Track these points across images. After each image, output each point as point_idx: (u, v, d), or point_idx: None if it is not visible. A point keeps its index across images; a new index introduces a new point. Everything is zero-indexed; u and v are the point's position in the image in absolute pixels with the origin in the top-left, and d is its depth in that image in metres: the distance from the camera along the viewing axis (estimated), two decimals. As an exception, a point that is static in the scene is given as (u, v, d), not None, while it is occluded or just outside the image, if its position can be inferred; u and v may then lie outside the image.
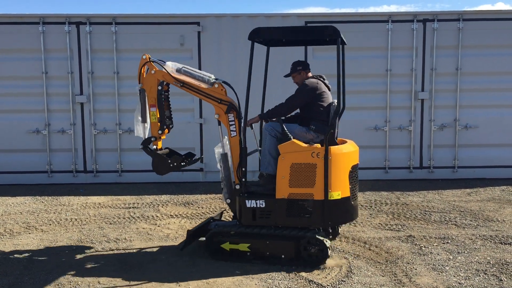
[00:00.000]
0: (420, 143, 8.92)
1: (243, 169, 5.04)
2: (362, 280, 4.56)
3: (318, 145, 4.96)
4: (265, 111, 5.39)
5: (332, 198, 4.87)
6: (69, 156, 8.77)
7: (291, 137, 5.00)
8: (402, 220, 6.50)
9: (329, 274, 4.72)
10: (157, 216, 6.79)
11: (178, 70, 5.29)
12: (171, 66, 5.28)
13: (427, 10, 9.00)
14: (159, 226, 6.37)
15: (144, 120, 5.40)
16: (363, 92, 8.69)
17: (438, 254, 5.20)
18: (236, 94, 5.19)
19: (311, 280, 4.56)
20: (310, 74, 5.48)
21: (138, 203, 7.49)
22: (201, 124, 8.75)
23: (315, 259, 4.89)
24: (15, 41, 8.56)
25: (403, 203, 7.40)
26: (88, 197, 7.92)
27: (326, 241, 4.88)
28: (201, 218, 6.68)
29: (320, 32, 5.11)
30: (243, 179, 5.04)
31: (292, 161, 4.88)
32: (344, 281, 4.55)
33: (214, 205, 7.37)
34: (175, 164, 5.36)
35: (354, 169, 5.13)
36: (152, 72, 5.27)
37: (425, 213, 6.80)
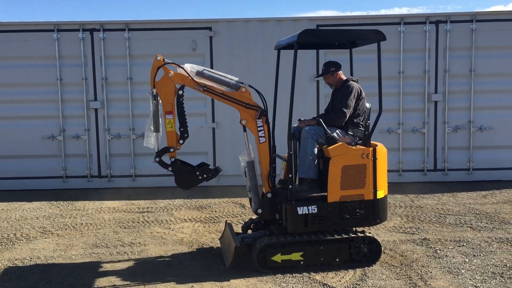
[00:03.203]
0: (434, 145, 8.86)
1: (290, 175, 4.86)
2: (376, 284, 4.54)
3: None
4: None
5: (379, 197, 4.98)
6: (84, 161, 8.87)
7: (337, 140, 4.97)
8: (417, 223, 6.45)
9: (343, 277, 4.70)
10: (171, 220, 6.83)
11: (199, 73, 4.91)
12: (189, 68, 4.90)
13: (439, 11, 8.96)
14: (173, 230, 6.40)
15: (156, 130, 4.91)
16: (376, 94, 8.62)
17: (453, 257, 5.15)
18: (263, 99, 5.06)
19: (325, 284, 4.55)
20: (343, 75, 5.38)
21: (152, 208, 7.54)
22: (213, 129, 8.78)
23: (370, 257, 4.96)
24: (31, 48, 8.69)
25: (417, 205, 7.35)
26: (102, 201, 7.99)
27: (378, 239, 4.99)
28: (214, 222, 6.70)
29: (366, 35, 5.15)
30: (290, 186, 4.86)
31: (343, 163, 4.87)
32: (359, 285, 4.53)
33: (227, 209, 7.39)
34: (204, 176, 4.98)
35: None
36: (169, 75, 4.85)
37: (440, 216, 6.74)
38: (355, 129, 5.13)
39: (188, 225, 6.61)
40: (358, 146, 5.04)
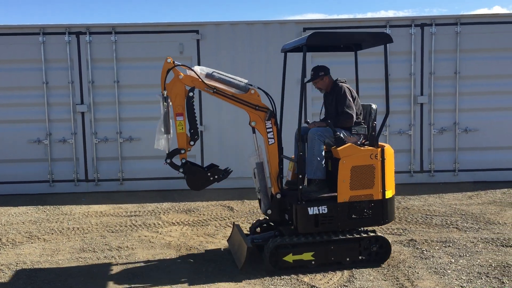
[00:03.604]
0: (420, 147, 8.94)
1: (300, 176, 4.96)
2: (364, 285, 4.56)
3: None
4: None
5: (387, 197, 5.05)
6: (71, 165, 8.80)
7: (346, 140, 5.03)
8: (404, 224, 6.50)
9: (331, 279, 4.72)
10: (159, 224, 6.80)
11: (209, 75, 4.97)
12: (199, 70, 4.95)
13: (424, 15, 9.06)
14: (161, 233, 6.38)
15: (167, 131, 4.93)
16: (372, 96, 8.71)
17: (439, 258, 5.21)
18: (272, 100, 5.12)
19: (313, 285, 4.57)
20: (332, 78, 5.44)
21: (139, 211, 7.50)
22: (201, 132, 8.77)
23: (380, 256, 5.03)
24: (16, 51, 8.61)
25: (404, 207, 7.41)
26: (90, 205, 7.93)
27: (388, 238, 5.06)
28: (202, 225, 6.69)
29: (374, 37, 5.30)
30: (300, 187, 4.93)
31: (352, 164, 4.93)
32: (346, 286, 4.55)
33: (215, 212, 7.39)
34: (215, 177, 5.02)
35: None
36: (180, 77, 4.90)
37: (427, 217, 6.81)
38: (358, 127, 5.21)
39: (176, 229, 6.59)
40: (366, 146, 5.11)
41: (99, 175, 8.83)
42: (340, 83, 5.32)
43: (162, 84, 4.91)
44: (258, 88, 5.08)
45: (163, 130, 4.93)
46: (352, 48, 5.69)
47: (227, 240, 5.79)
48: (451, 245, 5.60)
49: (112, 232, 6.48)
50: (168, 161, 4.98)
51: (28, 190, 8.73)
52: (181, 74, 4.92)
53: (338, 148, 4.94)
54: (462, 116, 8.88)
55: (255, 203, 7.81)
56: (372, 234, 5.03)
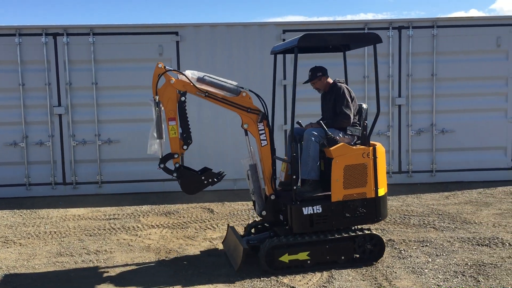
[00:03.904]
0: (398, 148, 9.06)
1: (294, 177, 5.01)
2: (343, 285, 4.60)
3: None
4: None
5: (380, 195, 5.12)
6: (48, 168, 8.67)
7: (338, 140, 5.09)
8: (382, 224, 6.57)
9: (310, 280, 4.74)
10: (138, 227, 6.75)
11: (200, 79, 5.01)
12: (190, 74, 4.99)
13: (403, 17, 9.18)
14: (140, 236, 6.33)
15: (160, 136, 4.96)
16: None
17: (417, 257, 5.28)
18: (263, 102, 5.17)
19: (293, 286, 4.59)
20: (330, 79, 5.51)
21: (118, 214, 7.43)
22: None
23: (375, 254, 5.10)
24: (-9, 53, 8.47)
25: (383, 207, 7.48)
26: (67, 209, 7.83)
27: (382, 236, 5.19)
28: (182, 228, 6.66)
29: (363, 38, 5.50)
30: (294, 187, 4.99)
31: (345, 163, 4.99)
32: (326, 287, 4.58)
33: (195, 214, 7.36)
34: (209, 180, 5.06)
35: None
36: (171, 82, 4.93)
37: (405, 217, 6.89)
38: (352, 128, 5.27)
39: (155, 231, 6.55)
40: (358, 146, 5.17)
41: (77, 178, 8.72)
42: (339, 84, 5.41)
43: (154, 89, 4.94)
44: (250, 90, 5.13)
45: (155, 135, 4.95)
46: (341, 48, 5.79)
47: (222, 242, 5.78)
48: (428, 244, 5.68)
49: (90, 235, 6.40)
50: (162, 166, 5.03)
51: (4, 194, 8.57)
52: (173, 79, 4.97)
53: (331, 148, 5.00)
54: (439, 117, 9.02)
55: (236, 205, 7.81)
56: (367, 232, 5.11)
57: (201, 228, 6.63)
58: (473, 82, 8.99)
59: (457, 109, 9.02)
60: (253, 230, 5.73)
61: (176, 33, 8.63)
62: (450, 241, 5.77)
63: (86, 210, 7.73)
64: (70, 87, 8.58)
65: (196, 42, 8.66)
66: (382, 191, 5.19)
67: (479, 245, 5.63)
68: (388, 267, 5.03)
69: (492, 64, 8.97)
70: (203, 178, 5.06)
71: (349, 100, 5.29)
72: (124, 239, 6.21)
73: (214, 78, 5.08)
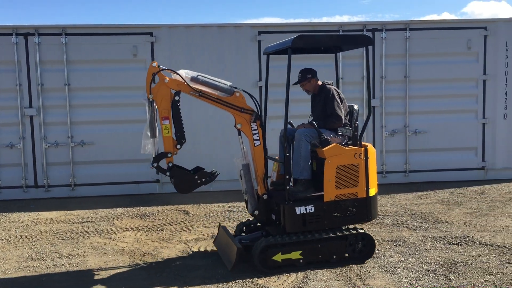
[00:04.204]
0: (372, 149, 9.15)
1: (287, 176, 5.04)
2: (317, 285, 4.63)
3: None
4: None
5: (371, 195, 5.17)
6: (19, 171, 8.49)
7: (330, 141, 5.12)
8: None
9: (285, 280, 4.76)
10: (112, 230, 6.66)
11: (194, 79, 5.03)
12: (184, 74, 5.00)
13: (377, 20, 9.31)
14: (114, 240, 6.25)
15: (153, 135, 4.97)
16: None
17: (390, 257, 5.35)
18: (256, 103, 5.20)
19: (268, 287, 4.60)
20: (319, 81, 5.55)
21: (92, 217, 7.32)
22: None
23: (366, 253, 5.17)
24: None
25: (357, 208, 7.56)
26: (39, 212, 7.67)
27: (373, 236, 5.25)
28: (157, 230, 6.60)
29: (356, 40, 5.56)
30: (287, 187, 5.02)
31: (337, 163, 5.04)
32: (300, 287, 4.60)
33: (171, 216, 7.30)
34: (202, 180, 5.07)
35: None
36: (165, 81, 4.94)
37: (379, 217, 6.98)
38: (343, 129, 5.32)
39: (130, 234, 6.47)
40: (350, 146, 5.22)
41: (49, 181, 8.56)
42: (328, 86, 5.46)
43: (148, 88, 4.95)
44: (243, 90, 5.15)
45: (149, 134, 4.97)
46: (333, 50, 5.86)
47: (213, 242, 5.77)
48: (401, 244, 5.76)
49: (63, 239, 6.29)
50: (155, 165, 5.04)
51: (-27, 197, 8.36)
52: (167, 78, 4.99)
53: (324, 148, 5.05)
54: (412, 118, 9.17)
55: (212, 206, 7.78)
56: (361, 231, 5.18)
57: (176, 230, 6.58)
58: (445, 84, 9.16)
59: (430, 110, 9.18)
60: (244, 229, 5.76)
61: (151, 34, 8.57)
62: (422, 240, 5.86)
63: (58, 214, 7.59)
64: (42, 88, 8.42)
65: (170, 43, 8.61)
66: (373, 191, 5.26)
67: (450, 244, 5.74)
68: (362, 266, 5.08)
69: (463, 66, 9.16)
70: (196, 177, 5.08)
71: (339, 101, 5.35)
72: (97, 243, 6.12)
73: (208, 78, 5.12)
